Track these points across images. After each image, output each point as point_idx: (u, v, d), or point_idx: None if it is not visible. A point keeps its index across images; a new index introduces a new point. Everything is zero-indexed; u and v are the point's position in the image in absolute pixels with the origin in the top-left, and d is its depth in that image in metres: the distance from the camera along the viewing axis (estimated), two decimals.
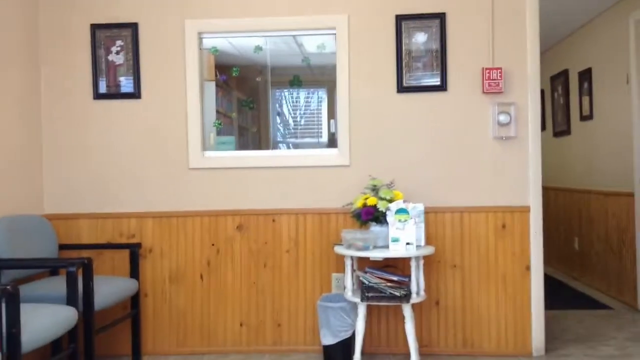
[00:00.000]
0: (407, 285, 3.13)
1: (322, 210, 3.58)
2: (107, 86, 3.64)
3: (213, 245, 3.62)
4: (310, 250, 3.59)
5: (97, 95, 3.64)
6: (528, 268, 3.50)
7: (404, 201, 3.18)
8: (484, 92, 3.50)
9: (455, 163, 3.54)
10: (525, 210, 3.50)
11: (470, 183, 3.53)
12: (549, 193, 6.45)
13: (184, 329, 3.63)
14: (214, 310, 3.62)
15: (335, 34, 3.60)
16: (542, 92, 6.56)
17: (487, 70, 3.47)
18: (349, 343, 3.28)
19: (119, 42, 3.63)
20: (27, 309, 2.51)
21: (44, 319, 2.53)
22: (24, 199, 3.43)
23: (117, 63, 3.63)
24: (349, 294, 3.21)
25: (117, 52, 3.63)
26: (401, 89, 3.55)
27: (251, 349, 3.60)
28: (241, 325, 3.61)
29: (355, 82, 3.57)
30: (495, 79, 3.48)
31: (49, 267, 3.36)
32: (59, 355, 2.84)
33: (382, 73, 3.56)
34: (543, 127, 6.53)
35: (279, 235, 3.60)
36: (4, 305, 2.23)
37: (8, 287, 2.27)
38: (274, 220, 3.60)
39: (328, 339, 3.30)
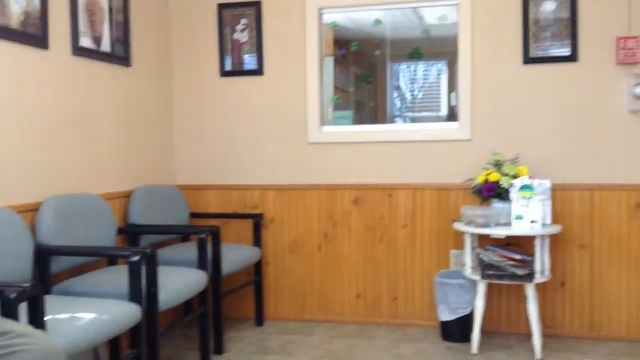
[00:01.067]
0: (530, 265, 3.02)
1: (441, 186, 3.53)
2: (233, 64, 3.79)
3: (330, 218, 3.70)
4: (427, 226, 3.56)
5: (224, 73, 3.80)
6: None
7: (529, 177, 3.06)
8: (618, 63, 3.25)
9: (585, 138, 3.34)
10: None
11: (602, 159, 3.32)
12: None
13: (303, 298, 3.75)
14: (331, 281, 3.71)
15: (457, 4, 3.49)
16: None
17: (623, 40, 3.22)
18: (467, 320, 3.24)
19: (243, 21, 3.76)
20: (163, 271, 2.70)
21: (179, 281, 2.72)
22: (159, 171, 3.69)
23: (242, 41, 3.76)
24: (468, 272, 3.16)
25: (242, 31, 3.76)
26: (528, 60, 3.39)
27: (368, 320, 3.66)
28: (358, 297, 3.68)
29: (478, 54, 3.45)
30: (631, 49, 3.22)
31: (182, 234, 3.60)
32: (190, 316, 3.06)
33: (507, 44, 3.41)
34: None
35: (396, 210, 3.60)
36: (144, 267, 2.42)
37: (148, 250, 2.46)
38: (390, 195, 3.61)
39: (446, 315, 3.28)
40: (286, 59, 3.71)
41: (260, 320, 3.67)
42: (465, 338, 3.24)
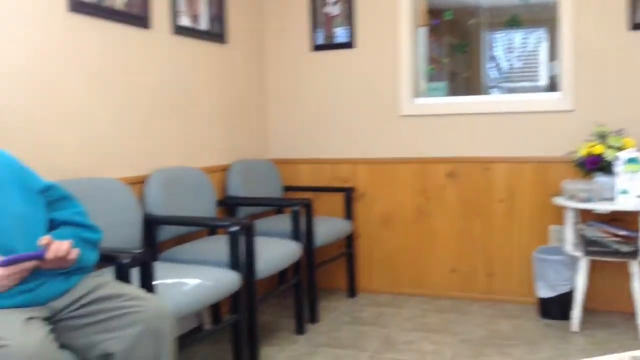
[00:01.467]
0: (635, 241, 2.87)
1: (540, 159, 3.39)
2: (324, 37, 3.79)
3: (423, 192, 3.66)
4: (526, 200, 3.44)
5: (315, 47, 3.82)
6: None
7: (636, 150, 2.88)
8: None
9: None
10: None
11: None
12: None
13: (395, 271, 3.76)
14: (424, 254, 3.69)
15: None
16: None
17: None
18: (567, 297, 3.13)
19: None
20: (259, 241, 2.78)
21: (274, 251, 2.81)
22: (254, 145, 3.79)
23: (333, 14, 3.76)
24: (568, 248, 3.05)
25: (334, 4, 3.75)
26: (634, 25, 3.16)
27: (462, 295, 3.61)
28: (452, 271, 3.63)
29: (581, 19, 3.26)
30: None
31: (276, 206, 3.69)
32: (285, 285, 3.15)
33: (612, 8, 3.19)
34: None
35: (492, 184, 3.51)
36: (242, 237, 2.52)
37: (246, 221, 2.56)
38: (487, 169, 3.51)
39: (545, 292, 3.19)
40: (378, 30, 3.67)
41: (352, 291, 3.72)
42: (565, 315, 3.13)
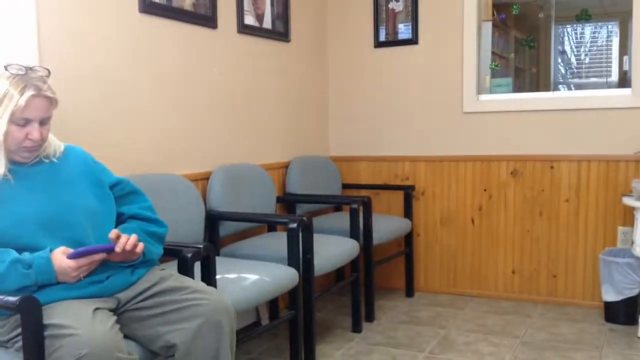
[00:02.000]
0: None
1: (609, 157, 3.27)
2: (387, 34, 3.78)
3: (485, 190, 3.59)
4: (593, 200, 3.32)
5: (378, 44, 3.80)
6: None
7: None
8: None
9: None
10: None
11: None
12: None
13: (454, 271, 3.71)
14: (484, 255, 3.62)
15: None
16: None
17: None
18: (633, 301, 3.01)
19: None
20: (317, 238, 2.79)
21: (333, 248, 2.83)
22: (314, 142, 3.82)
23: (397, 10, 3.73)
24: (637, 250, 2.92)
25: (397, 0, 3.72)
26: None
27: (523, 297, 3.53)
28: (513, 272, 3.55)
29: None
30: None
31: (335, 204, 3.71)
32: (342, 282, 3.17)
33: None
34: None
35: (558, 182, 3.41)
36: (301, 234, 2.54)
37: (305, 218, 2.58)
38: (552, 167, 3.42)
39: (610, 296, 3.08)
40: (442, 26, 3.62)
41: (410, 291, 3.69)
42: (631, 320, 3.02)
